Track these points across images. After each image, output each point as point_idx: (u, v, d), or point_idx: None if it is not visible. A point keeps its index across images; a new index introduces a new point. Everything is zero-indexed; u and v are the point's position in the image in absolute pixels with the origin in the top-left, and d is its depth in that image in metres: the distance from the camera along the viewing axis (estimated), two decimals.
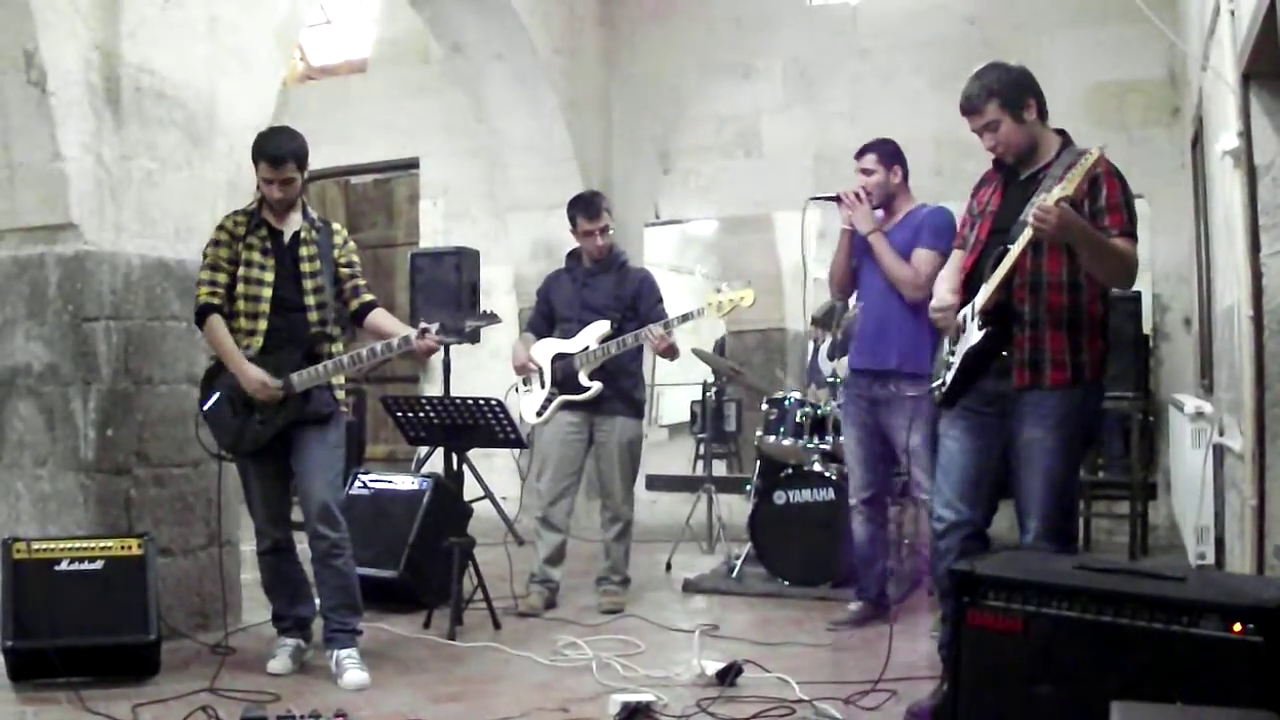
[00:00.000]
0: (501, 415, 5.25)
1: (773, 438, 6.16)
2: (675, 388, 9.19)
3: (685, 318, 5.35)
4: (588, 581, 5.80)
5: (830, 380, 6.30)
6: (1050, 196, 3.30)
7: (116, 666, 4.20)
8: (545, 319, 5.75)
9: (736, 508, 7.50)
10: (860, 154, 5.14)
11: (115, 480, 4.69)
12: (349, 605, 4.42)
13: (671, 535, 6.99)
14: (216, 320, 4.34)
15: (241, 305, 4.37)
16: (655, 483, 8.65)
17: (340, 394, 4.52)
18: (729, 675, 4.14)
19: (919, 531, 5.46)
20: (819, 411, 6.07)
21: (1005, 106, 3.63)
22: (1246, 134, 4.04)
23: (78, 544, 4.33)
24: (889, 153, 5.11)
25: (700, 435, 8.30)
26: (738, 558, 6.21)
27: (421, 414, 5.38)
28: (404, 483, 5.75)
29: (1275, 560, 3.78)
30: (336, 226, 4.62)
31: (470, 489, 6.38)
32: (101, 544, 4.34)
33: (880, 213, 5.09)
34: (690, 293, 9.09)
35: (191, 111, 4.97)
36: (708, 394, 7.44)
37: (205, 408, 4.41)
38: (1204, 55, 5.06)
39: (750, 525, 6.01)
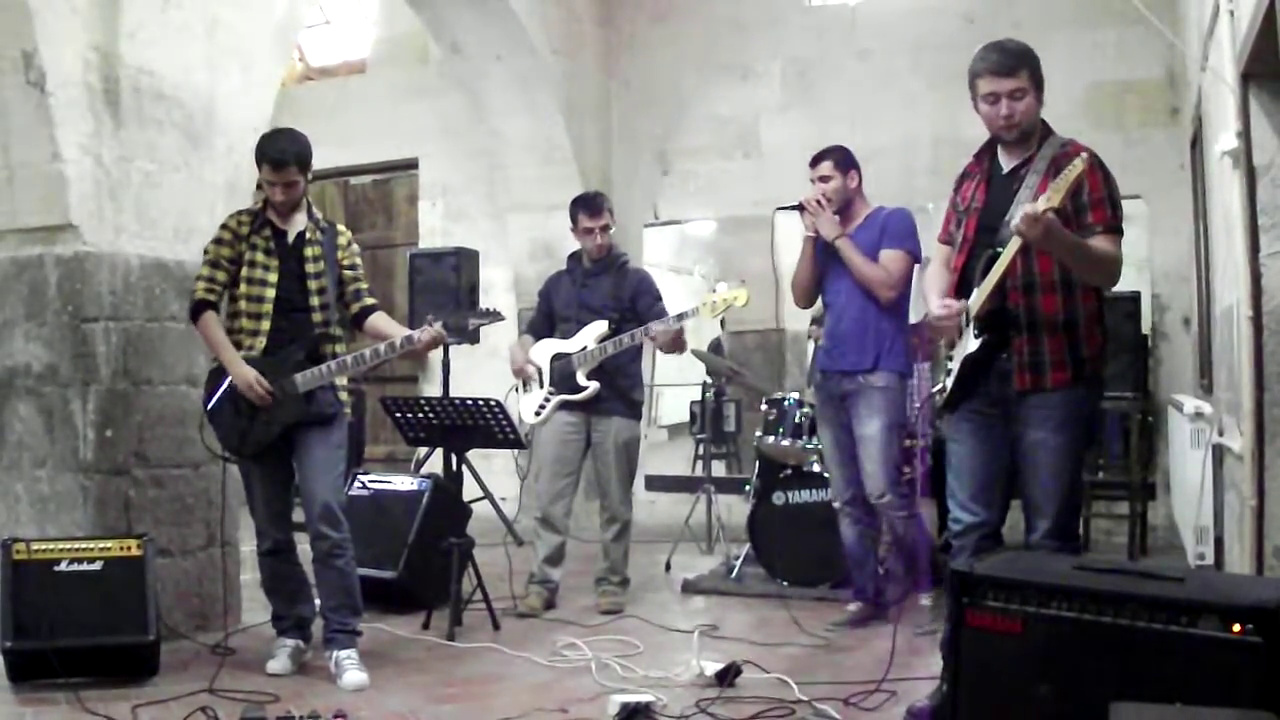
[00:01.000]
0: (500, 416, 5.25)
1: (772, 438, 6.15)
2: (675, 388, 9.19)
3: (681, 317, 5.35)
4: (587, 582, 5.80)
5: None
6: (1038, 206, 3.28)
7: (116, 667, 4.19)
8: (546, 319, 5.75)
9: (736, 508, 7.50)
10: (815, 161, 5.19)
11: (114, 481, 4.69)
12: (349, 606, 4.41)
13: (671, 536, 6.98)
14: (210, 316, 4.34)
15: (244, 305, 4.37)
16: (654, 483, 8.66)
17: (344, 395, 4.51)
18: (728, 676, 4.14)
19: (919, 531, 5.45)
20: None
21: (1034, 80, 3.61)
22: (1245, 134, 4.04)
23: (77, 545, 4.33)
24: (843, 158, 5.16)
25: (699, 436, 8.30)
26: (737, 558, 6.21)
27: (421, 414, 5.39)
28: (403, 483, 5.76)
29: (1274, 560, 3.79)
30: (341, 228, 4.61)
31: (469, 489, 6.38)
32: (101, 545, 4.34)
33: (837, 217, 5.09)
34: (689, 293, 9.10)
35: (190, 112, 4.97)
36: (707, 395, 7.44)
37: (209, 407, 4.40)
38: (1203, 55, 5.06)
39: (749, 526, 6.01)
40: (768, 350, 9.22)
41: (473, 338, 6.85)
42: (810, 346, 8.44)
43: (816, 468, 5.90)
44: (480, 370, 7.96)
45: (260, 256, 4.38)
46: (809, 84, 8.29)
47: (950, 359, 3.73)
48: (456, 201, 9.45)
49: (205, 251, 4.43)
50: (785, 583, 5.84)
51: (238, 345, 4.35)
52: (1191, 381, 6.72)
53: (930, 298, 3.83)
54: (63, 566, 4.24)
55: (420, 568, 5.38)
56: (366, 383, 9.10)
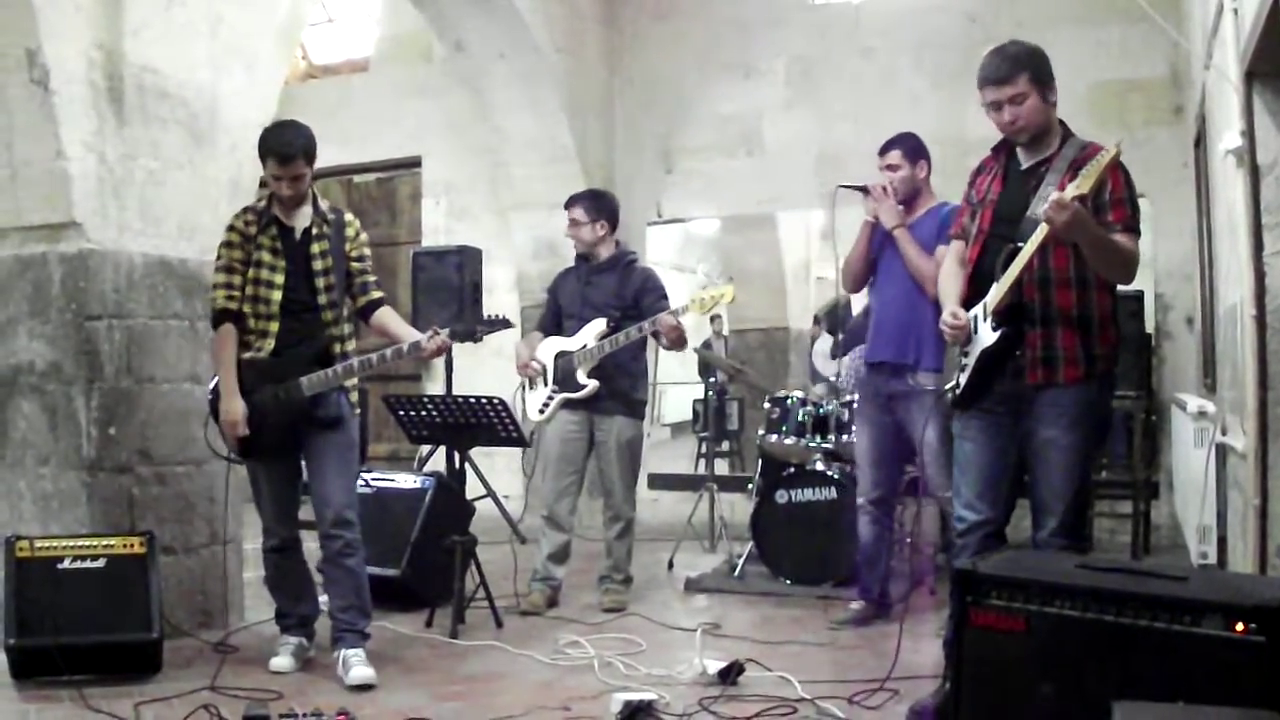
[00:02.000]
0: (504, 414, 5.25)
1: (775, 436, 6.16)
2: (677, 386, 9.20)
3: (675, 313, 5.32)
4: (590, 580, 5.80)
5: (829, 379, 6.30)
6: (1067, 193, 3.29)
7: (119, 664, 4.20)
8: (554, 317, 5.75)
9: (738, 506, 7.49)
10: (885, 149, 5.11)
11: (117, 479, 4.69)
12: (359, 607, 4.39)
13: (674, 534, 6.99)
14: (227, 331, 4.30)
15: (251, 308, 4.33)
16: (657, 481, 8.65)
17: (354, 396, 4.47)
18: (731, 674, 4.14)
19: (922, 530, 5.45)
20: (821, 410, 6.07)
21: (1035, 82, 3.60)
22: (1249, 133, 4.04)
23: (80, 542, 4.34)
24: (913, 148, 5.08)
25: (702, 434, 8.29)
26: (740, 556, 6.21)
27: (424, 413, 5.39)
28: (406, 481, 5.76)
29: (1278, 560, 3.78)
30: (349, 218, 4.54)
31: (472, 487, 6.38)
32: (104, 542, 4.35)
33: (901, 207, 5.07)
34: (692, 292, 9.10)
35: (194, 110, 4.97)
36: (710, 393, 7.44)
37: (214, 409, 4.38)
38: (1207, 54, 5.05)
39: (752, 524, 6.01)
40: (771, 348, 9.23)
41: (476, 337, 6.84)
42: (814, 345, 8.45)
43: (820, 466, 5.90)
44: (483, 368, 7.96)
45: (267, 257, 4.34)
46: (812, 82, 8.28)
47: (965, 355, 3.72)
48: (460, 200, 9.45)
49: (218, 256, 4.39)
50: (788, 581, 5.85)
51: (246, 346, 4.31)
52: (1195, 380, 6.72)
53: (945, 302, 3.82)
54: (66, 564, 4.25)
55: (423, 566, 5.38)
56: (369, 381, 9.09)
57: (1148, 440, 6.91)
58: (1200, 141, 5.98)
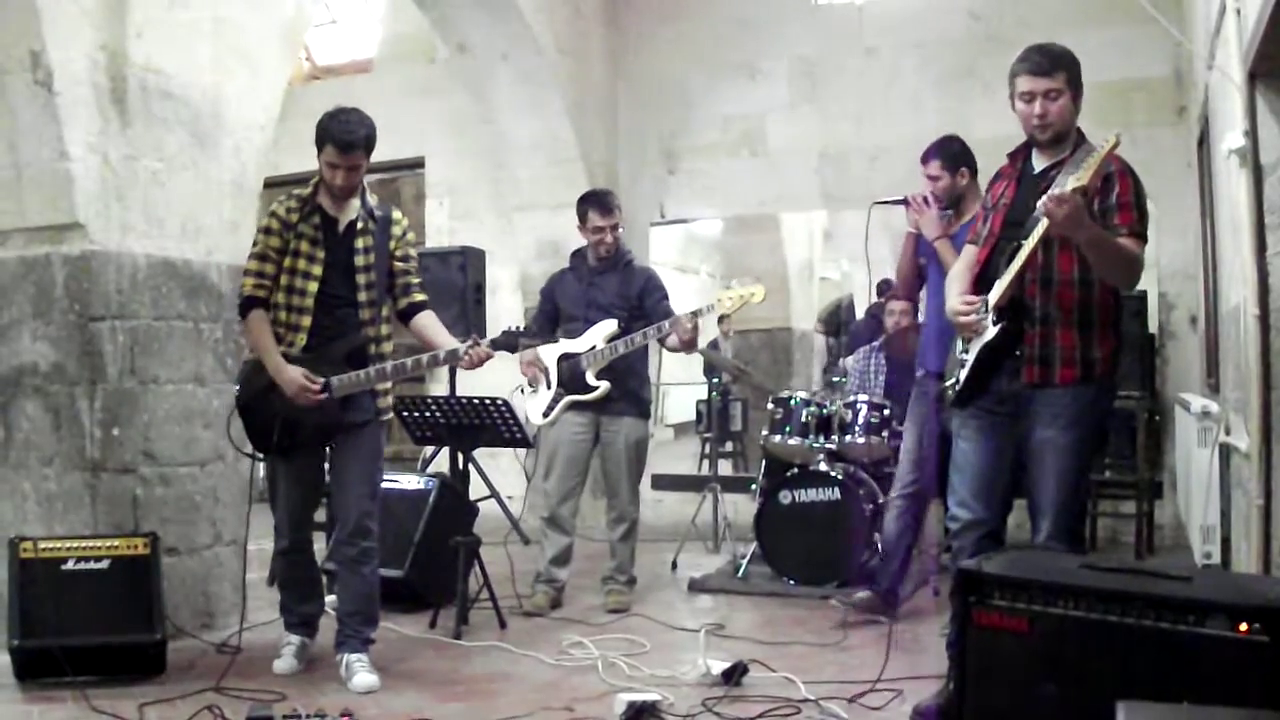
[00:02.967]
0: (507, 415, 5.25)
1: (778, 437, 6.16)
2: (681, 387, 9.20)
3: (696, 314, 5.30)
4: (593, 581, 5.80)
5: (836, 380, 6.30)
6: (1065, 186, 3.30)
7: (123, 665, 4.20)
8: (549, 319, 5.72)
9: (742, 507, 7.50)
10: (924, 159, 5.06)
11: (121, 479, 4.69)
12: (366, 614, 4.36)
13: (677, 535, 6.98)
14: (259, 315, 4.18)
15: (284, 298, 4.20)
16: (661, 482, 8.66)
17: (386, 400, 4.37)
18: (734, 674, 4.14)
19: (926, 533, 5.45)
20: (825, 411, 6.07)
21: (1071, 83, 3.62)
22: (1252, 133, 4.04)
23: (84, 543, 4.34)
24: (953, 154, 5.01)
25: (706, 434, 8.29)
26: (743, 557, 6.20)
27: (428, 414, 5.39)
28: (410, 482, 5.75)
29: None
30: (397, 216, 4.39)
31: (476, 488, 6.38)
32: (108, 543, 4.35)
33: (950, 213, 5.04)
34: (695, 292, 9.12)
35: (197, 111, 4.97)
36: (714, 393, 7.44)
37: (241, 403, 4.32)
38: (1210, 54, 5.05)
39: (756, 525, 6.00)
40: (775, 349, 9.23)
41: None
42: (825, 343, 8.46)
43: (823, 467, 5.90)
44: (487, 370, 7.95)
45: (305, 246, 4.19)
46: (815, 82, 8.28)
47: (966, 351, 3.73)
48: (463, 200, 9.46)
49: (254, 243, 4.29)
50: (792, 581, 5.85)
51: (276, 340, 4.18)
52: (1198, 380, 6.71)
53: (950, 294, 3.82)
54: (70, 565, 4.26)
55: (427, 567, 5.38)
56: None
57: (1151, 440, 6.90)
58: (1203, 141, 5.97)
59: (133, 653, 4.23)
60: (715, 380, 7.50)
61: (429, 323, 4.42)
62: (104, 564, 4.29)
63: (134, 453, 4.73)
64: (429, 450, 7.71)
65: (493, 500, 7.39)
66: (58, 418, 4.67)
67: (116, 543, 4.36)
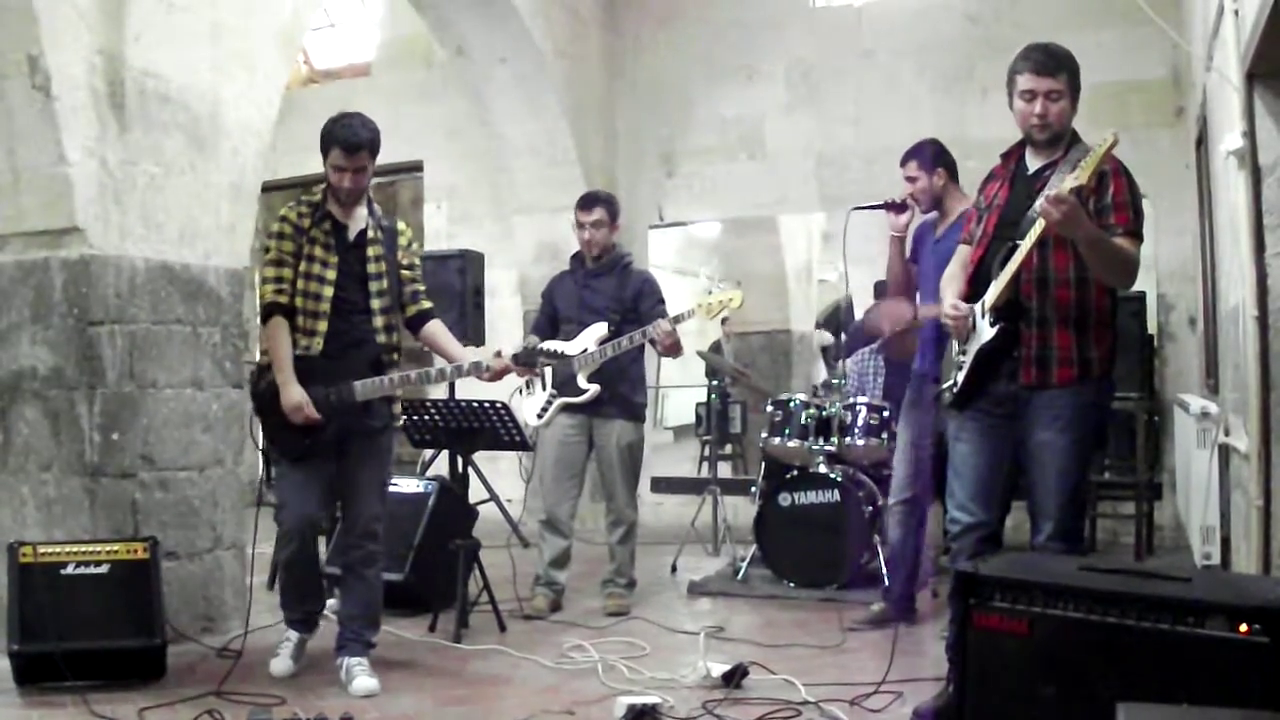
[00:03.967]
0: (507, 418, 5.25)
1: (778, 439, 6.16)
2: (680, 390, 9.21)
3: (677, 319, 5.29)
4: (593, 584, 5.80)
5: (835, 381, 6.30)
6: (1063, 186, 3.30)
7: (122, 670, 4.19)
8: (549, 320, 5.73)
9: (742, 510, 7.49)
10: (903, 162, 5.11)
11: (120, 484, 4.69)
12: (369, 619, 4.37)
13: (677, 537, 6.98)
14: (279, 324, 4.18)
15: (300, 303, 4.20)
16: (660, 485, 8.66)
17: (397, 407, 4.40)
18: (734, 677, 4.13)
19: (925, 533, 5.44)
20: (824, 413, 6.07)
21: (1072, 86, 3.63)
22: (1250, 134, 4.04)
23: (84, 548, 4.33)
24: (929, 156, 5.05)
25: (705, 437, 8.31)
26: (743, 560, 6.20)
27: (427, 417, 5.39)
28: (409, 485, 5.74)
29: None
30: (401, 226, 4.45)
31: (475, 492, 6.38)
32: (107, 548, 4.34)
33: (934, 214, 5.07)
34: (694, 295, 9.11)
35: (195, 115, 4.97)
36: (713, 396, 7.44)
37: (258, 406, 4.30)
38: (1208, 55, 5.06)
39: (755, 527, 6.00)
40: (774, 351, 9.23)
41: (478, 340, 6.86)
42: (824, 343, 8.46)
43: (823, 469, 5.90)
44: None
45: (319, 252, 4.21)
46: (813, 85, 8.29)
47: (963, 354, 3.73)
48: (461, 204, 9.46)
49: (266, 249, 4.29)
50: (791, 584, 5.85)
51: (292, 342, 4.19)
52: (1198, 381, 6.71)
53: (945, 296, 3.83)
54: (69, 569, 4.25)
55: (426, 570, 5.37)
56: None
57: (1150, 441, 6.90)
58: (1201, 143, 5.98)
59: (133, 657, 4.22)
60: (716, 383, 7.50)
61: (439, 331, 4.47)
62: (104, 568, 4.29)
63: (133, 457, 4.73)
64: (428, 453, 7.70)
65: (492, 503, 7.39)
66: (56, 422, 4.67)
67: (116, 547, 4.35)
